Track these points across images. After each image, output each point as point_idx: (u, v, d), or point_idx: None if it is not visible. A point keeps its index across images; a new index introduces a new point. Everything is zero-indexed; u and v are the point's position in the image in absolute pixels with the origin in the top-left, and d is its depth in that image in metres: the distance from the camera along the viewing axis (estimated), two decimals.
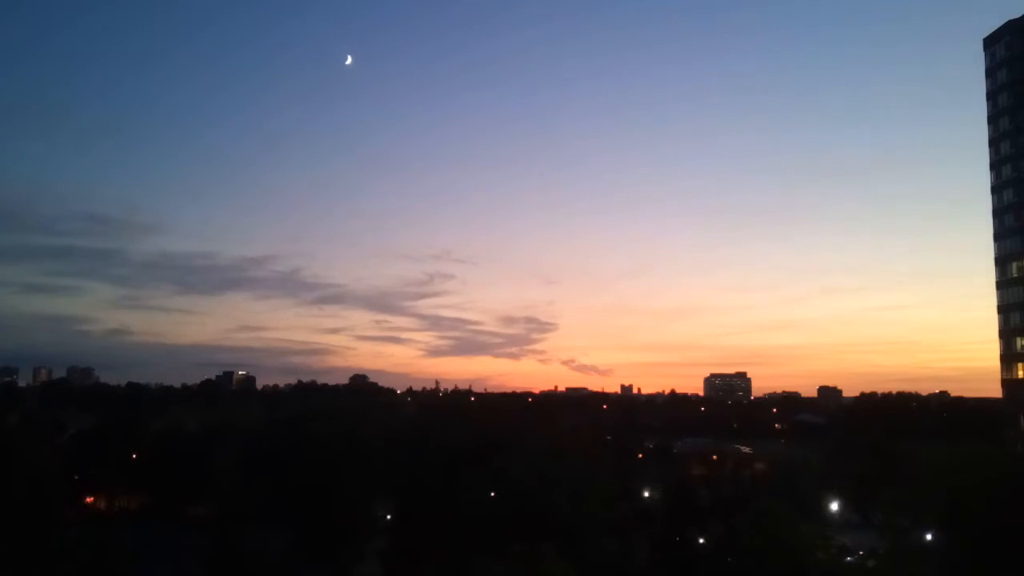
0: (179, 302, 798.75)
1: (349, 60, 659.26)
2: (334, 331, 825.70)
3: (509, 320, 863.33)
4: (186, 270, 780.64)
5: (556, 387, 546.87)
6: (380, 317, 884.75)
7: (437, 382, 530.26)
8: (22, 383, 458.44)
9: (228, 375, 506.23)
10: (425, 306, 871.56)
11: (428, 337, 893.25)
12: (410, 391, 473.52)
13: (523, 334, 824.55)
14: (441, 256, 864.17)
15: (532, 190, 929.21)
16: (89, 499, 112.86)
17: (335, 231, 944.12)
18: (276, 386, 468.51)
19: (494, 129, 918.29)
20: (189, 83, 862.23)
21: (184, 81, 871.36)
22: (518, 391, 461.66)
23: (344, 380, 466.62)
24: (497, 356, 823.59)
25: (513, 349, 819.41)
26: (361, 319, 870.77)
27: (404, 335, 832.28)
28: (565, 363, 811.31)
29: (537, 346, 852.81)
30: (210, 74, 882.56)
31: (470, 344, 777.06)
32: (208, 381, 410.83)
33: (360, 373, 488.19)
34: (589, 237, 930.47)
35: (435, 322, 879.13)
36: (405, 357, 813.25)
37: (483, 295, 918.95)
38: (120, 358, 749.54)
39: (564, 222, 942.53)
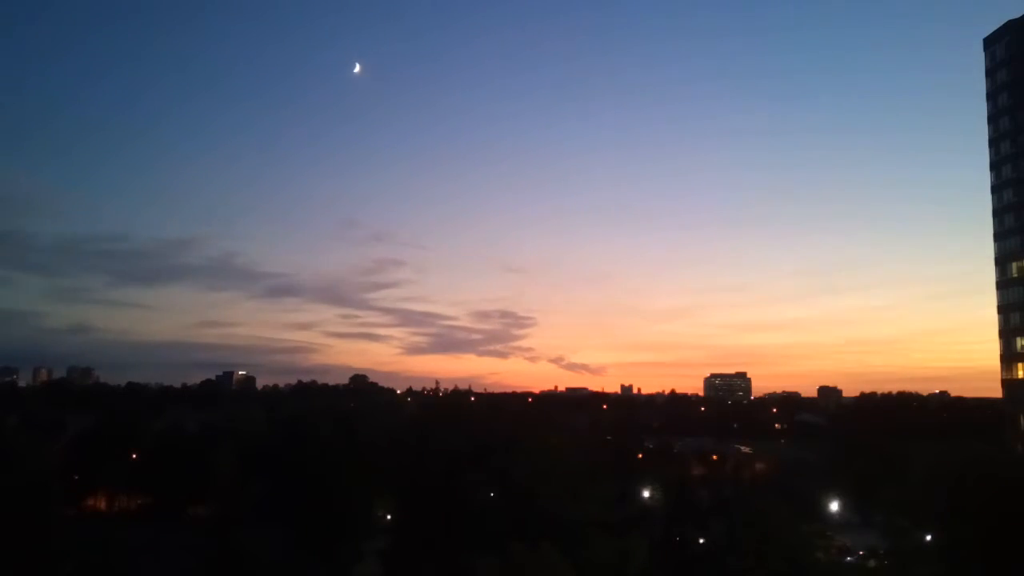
0: (121, 295, 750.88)
1: (358, 68, 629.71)
2: (304, 327, 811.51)
3: (483, 315, 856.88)
4: (105, 256, 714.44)
5: (556, 387, 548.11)
6: (345, 311, 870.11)
7: (437, 382, 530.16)
8: (22, 383, 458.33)
9: (228, 375, 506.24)
10: (386, 299, 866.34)
11: (402, 333, 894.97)
12: (410, 391, 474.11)
13: (501, 330, 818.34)
14: (383, 237, 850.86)
15: (489, 177, 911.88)
16: (89, 499, 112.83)
17: (261, 210, 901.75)
18: (276, 386, 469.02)
19: (447, 112, 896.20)
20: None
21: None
22: (518, 391, 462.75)
23: (325, 377, 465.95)
24: (481, 354, 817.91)
25: (497, 347, 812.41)
26: (324, 314, 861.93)
27: (377, 331, 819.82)
28: (554, 361, 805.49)
29: (521, 343, 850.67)
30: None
31: (449, 341, 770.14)
32: (208, 381, 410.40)
33: (360, 373, 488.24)
34: (565, 233, 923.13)
35: (406, 317, 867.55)
36: (384, 355, 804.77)
37: (444, 286, 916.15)
38: (120, 358, 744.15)
39: (530, 212, 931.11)
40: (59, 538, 59.80)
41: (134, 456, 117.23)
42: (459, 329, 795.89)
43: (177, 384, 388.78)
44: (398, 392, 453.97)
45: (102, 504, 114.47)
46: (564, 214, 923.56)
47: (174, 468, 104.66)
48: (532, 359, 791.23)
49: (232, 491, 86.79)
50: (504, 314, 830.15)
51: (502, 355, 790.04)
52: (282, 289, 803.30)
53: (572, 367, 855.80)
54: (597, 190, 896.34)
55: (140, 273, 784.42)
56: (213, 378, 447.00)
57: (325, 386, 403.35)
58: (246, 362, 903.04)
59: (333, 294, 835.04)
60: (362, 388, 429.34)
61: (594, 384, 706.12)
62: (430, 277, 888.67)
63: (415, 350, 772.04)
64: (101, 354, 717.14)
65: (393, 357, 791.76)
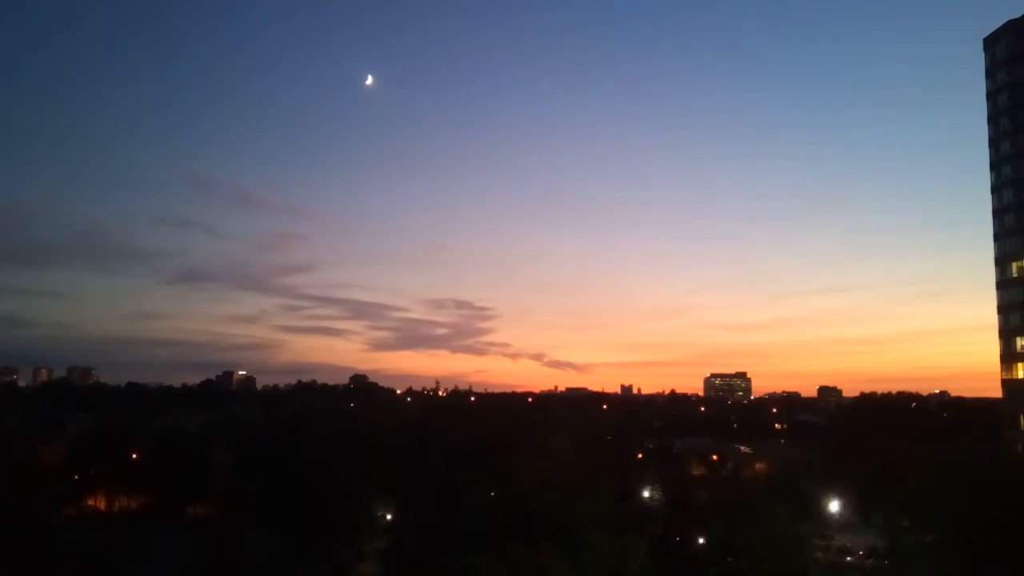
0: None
1: (369, 80, 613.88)
2: (247, 320, 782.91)
3: (436, 305, 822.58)
4: None
5: (556, 387, 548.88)
6: (278, 301, 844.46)
7: (437, 382, 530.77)
8: (22, 383, 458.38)
9: (228, 375, 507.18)
10: (310, 284, 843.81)
11: (359, 327, 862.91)
12: (410, 391, 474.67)
13: (465, 323, 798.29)
14: (269, 207, 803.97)
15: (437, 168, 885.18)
16: (89, 499, 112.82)
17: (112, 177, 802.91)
18: (276, 386, 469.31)
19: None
20: None
21: None
22: (516, 390, 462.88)
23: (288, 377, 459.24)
24: (455, 351, 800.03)
25: (468, 341, 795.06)
26: (250, 304, 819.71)
27: (330, 324, 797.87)
28: (535, 358, 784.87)
29: (491, 338, 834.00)
30: None
31: (413, 336, 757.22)
32: (208, 381, 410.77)
33: (360, 373, 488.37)
34: (526, 227, 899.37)
35: (357, 310, 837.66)
36: (348, 351, 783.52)
37: (367, 271, 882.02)
38: (121, 358, 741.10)
39: (478, 202, 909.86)
40: (59, 538, 59.75)
41: (134, 456, 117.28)
42: (420, 323, 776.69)
43: (177, 384, 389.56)
44: (398, 392, 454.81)
45: (102, 504, 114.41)
46: (528, 208, 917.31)
47: (174, 468, 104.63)
48: (512, 356, 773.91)
49: (232, 491, 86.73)
50: (461, 304, 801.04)
51: (479, 352, 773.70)
52: (187, 275, 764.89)
53: (556, 364, 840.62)
54: (580, 187, 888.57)
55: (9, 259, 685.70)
56: (213, 378, 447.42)
57: (325, 386, 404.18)
58: (182, 361, 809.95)
59: (243, 279, 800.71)
60: (362, 388, 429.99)
61: (581, 382, 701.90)
62: (345, 260, 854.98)
63: (381, 346, 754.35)
64: (132, 355, 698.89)
65: (356, 354, 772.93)
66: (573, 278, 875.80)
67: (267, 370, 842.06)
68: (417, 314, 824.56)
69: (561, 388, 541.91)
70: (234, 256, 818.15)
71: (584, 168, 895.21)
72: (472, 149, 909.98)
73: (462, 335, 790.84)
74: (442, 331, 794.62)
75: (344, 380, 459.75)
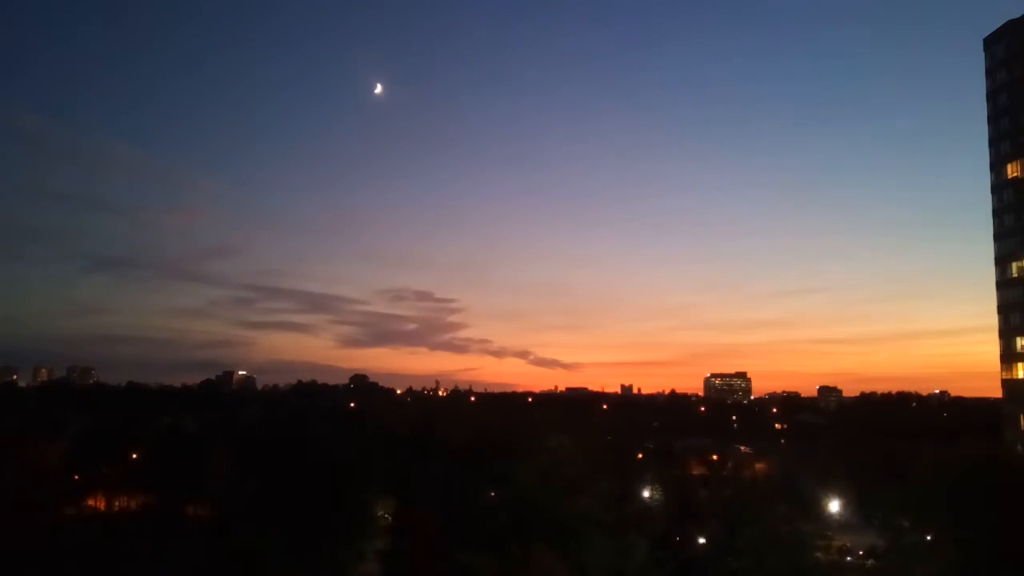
0: None
1: (379, 89, 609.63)
2: (200, 315, 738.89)
3: (395, 297, 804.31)
4: None
5: (556, 387, 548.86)
6: (223, 293, 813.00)
7: (437, 382, 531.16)
8: (22, 383, 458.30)
9: (228, 375, 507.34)
10: (243, 272, 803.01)
11: (322, 322, 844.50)
12: (410, 391, 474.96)
13: (432, 317, 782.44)
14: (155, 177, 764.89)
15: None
16: (89, 499, 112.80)
17: None
18: (276, 386, 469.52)
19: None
20: None
21: None
22: (515, 390, 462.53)
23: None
24: (434, 348, 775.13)
25: (445, 337, 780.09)
26: (194, 296, 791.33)
27: (292, 319, 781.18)
28: (520, 356, 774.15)
29: (468, 335, 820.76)
30: None
31: (383, 332, 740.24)
32: (208, 381, 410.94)
33: (360, 373, 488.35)
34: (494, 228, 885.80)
35: (312, 301, 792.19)
36: (319, 348, 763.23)
37: (301, 258, 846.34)
38: (121, 358, 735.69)
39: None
40: (59, 538, 59.79)
41: (134, 456, 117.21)
42: (386, 317, 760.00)
43: (177, 384, 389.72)
44: (398, 392, 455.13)
45: (102, 504, 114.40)
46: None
47: (174, 468, 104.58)
48: (497, 354, 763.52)
49: (231, 491, 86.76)
50: (422, 295, 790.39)
51: (459, 349, 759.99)
52: (110, 264, 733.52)
53: (542, 362, 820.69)
54: (573, 186, 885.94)
55: None
56: (213, 378, 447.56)
57: (325, 386, 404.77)
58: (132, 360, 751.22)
59: (174, 269, 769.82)
60: (362, 388, 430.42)
61: (572, 381, 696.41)
62: (275, 245, 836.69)
63: (350, 342, 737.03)
64: (133, 355, 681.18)
65: (332, 351, 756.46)
66: (557, 276, 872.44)
67: (241, 367, 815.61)
68: (377, 307, 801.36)
69: (561, 388, 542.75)
70: (138, 237, 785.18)
71: (580, 168, 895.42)
72: (445, 143, 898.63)
73: (434, 330, 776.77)
74: (411, 326, 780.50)
75: (318, 377, 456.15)
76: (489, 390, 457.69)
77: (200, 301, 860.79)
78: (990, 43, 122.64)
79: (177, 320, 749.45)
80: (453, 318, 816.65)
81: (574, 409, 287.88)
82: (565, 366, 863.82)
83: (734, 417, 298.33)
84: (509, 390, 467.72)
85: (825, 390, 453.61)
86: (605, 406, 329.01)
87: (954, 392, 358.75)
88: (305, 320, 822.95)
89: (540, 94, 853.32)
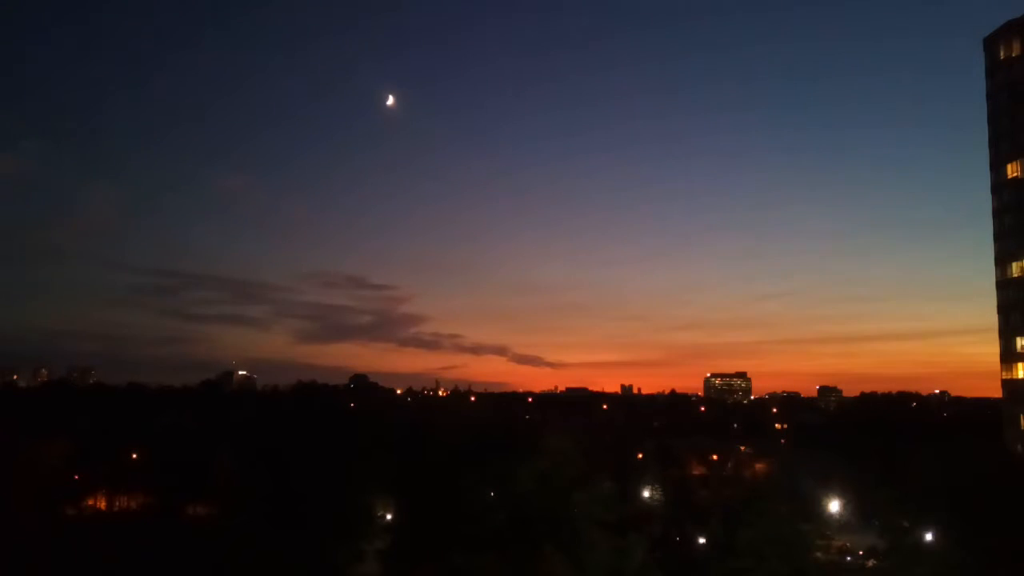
0: None
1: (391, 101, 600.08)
2: (121, 304, 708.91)
3: (326, 283, 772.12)
4: None
5: (556, 387, 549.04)
6: (135, 279, 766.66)
7: (437, 382, 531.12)
8: (22, 383, 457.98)
9: (228, 375, 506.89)
10: (143, 253, 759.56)
11: (263, 314, 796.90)
12: (410, 391, 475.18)
13: (384, 308, 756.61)
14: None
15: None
16: (89, 499, 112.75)
17: None
18: (276, 386, 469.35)
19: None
20: None
21: None
22: (513, 389, 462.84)
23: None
24: (404, 343, 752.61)
25: (409, 332, 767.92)
26: (103, 279, 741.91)
27: (228, 311, 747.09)
28: (498, 352, 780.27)
29: (427, 328, 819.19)
30: None
31: (337, 326, 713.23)
32: (208, 381, 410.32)
33: (359, 373, 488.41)
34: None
35: (238, 290, 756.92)
36: (275, 345, 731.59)
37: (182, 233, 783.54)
38: (120, 358, 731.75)
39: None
40: (59, 538, 59.76)
41: (134, 456, 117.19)
42: (332, 308, 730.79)
43: (177, 384, 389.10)
44: (398, 392, 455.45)
45: (102, 504, 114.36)
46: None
47: (174, 468, 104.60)
48: (474, 351, 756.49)
49: (231, 491, 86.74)
50: (360, 283, 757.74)
51: (430, 345, 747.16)
52: (42, 256, 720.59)
53: (524, 359, 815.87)
54: (561, 185, 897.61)
55: None
56: (213, 378, 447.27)
57: (325, 386, 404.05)
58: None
59: (56, 247, 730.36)
60: (362, 388, 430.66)
61: (557, 378, 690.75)
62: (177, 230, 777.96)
63: (307, 337, 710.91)
64: (132, 355, 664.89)
65: (293, 348, 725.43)
66: (537, 274, 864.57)
67: (187, 367, 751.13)
68: (310, 296, 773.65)
69: (561, 388, 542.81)
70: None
71: (573, 167, 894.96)
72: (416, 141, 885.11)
73: (392, 324, 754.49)
74: (365, 318, 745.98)
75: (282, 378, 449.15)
76: (489, 390, 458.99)
77: (119, 287, 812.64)
78: (990, 43, 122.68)
79: (96, 311, 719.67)
80: (404, 308, 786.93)
81: (574, 409, 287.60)
82: (551, 365, 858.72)
83: (734, 417, 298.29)
84: (508, 390, 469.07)
85: (825, 390, 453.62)
86: (605, 406, 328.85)
87: (954, 392, 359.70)
88: (244, 312, 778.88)
89: (530, 87, 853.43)
